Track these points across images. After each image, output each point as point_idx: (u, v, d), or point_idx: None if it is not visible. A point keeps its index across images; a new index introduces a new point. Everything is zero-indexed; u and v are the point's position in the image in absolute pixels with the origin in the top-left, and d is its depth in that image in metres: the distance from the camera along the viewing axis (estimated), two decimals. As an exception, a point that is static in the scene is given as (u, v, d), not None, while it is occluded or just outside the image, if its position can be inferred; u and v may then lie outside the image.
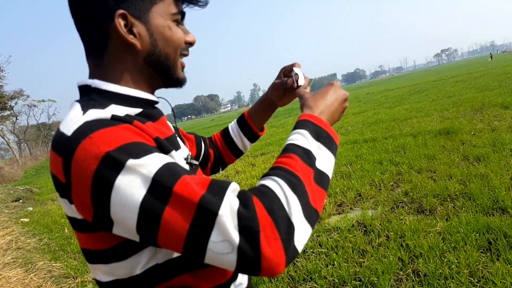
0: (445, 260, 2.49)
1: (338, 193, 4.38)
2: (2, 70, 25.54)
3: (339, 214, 3.84)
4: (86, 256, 0.66)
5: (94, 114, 0.58)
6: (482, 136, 5.48)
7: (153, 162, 0.54)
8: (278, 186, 0.57)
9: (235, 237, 0.51)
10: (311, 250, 3.08)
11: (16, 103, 35.24)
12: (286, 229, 0.54)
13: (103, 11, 0.65)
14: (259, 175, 6.25)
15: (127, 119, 0.60)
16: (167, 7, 0.69)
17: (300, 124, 0.71)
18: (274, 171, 0.61)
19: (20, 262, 4.21)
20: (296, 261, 2.96)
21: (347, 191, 4.39)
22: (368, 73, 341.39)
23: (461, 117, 7.48)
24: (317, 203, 0.61)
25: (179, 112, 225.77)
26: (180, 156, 0.75)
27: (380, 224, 3.25)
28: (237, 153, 1.16)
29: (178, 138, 0.84)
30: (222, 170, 1.20)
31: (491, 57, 55.18)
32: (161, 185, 0.53)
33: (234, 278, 0.75)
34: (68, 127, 0.57)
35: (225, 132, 1.17)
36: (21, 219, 6.91)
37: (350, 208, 3.92)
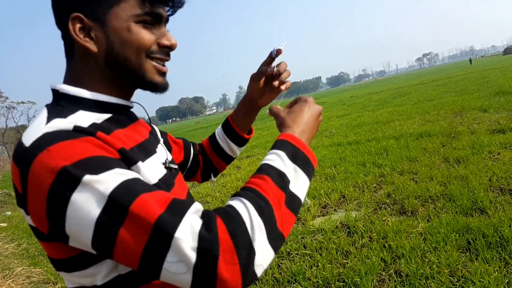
0: (426, 260, 2.53)
1: (322, 195, 4.41)
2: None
3: (323, 215, 3.86)
4: (51, 263, 0.65)
5: (56, 124, 0.57)
6: (462, 139, 5.62)
7: (111, 179, 0.53)
8: (245, 209, 0.57)
9: (192, 258, 0.50)
10: (295, 252, 3.09)
11: (-6, 105, 34.26)
12: (247, 254, 0.53)
13: (63, 14, 0.66)
14: (244, 178, 6.25)
15: (89, 131, 0.58)
16: (128, 8, 0.67)
17: (278, 144, 0.70)
18: (244, 192, 0.61)
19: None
20: (281, 263, 2.96)
21: (331, 193, 4.43)
22: (352, 77, 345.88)
23: (441, 120, 7.65)
24: (284, 227, 0.60)
25: (164, 114, 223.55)
26: (156, 161, 0.74)
27: (363, 226, 3.29)
28: (226, 158, 1.13)
29: (158, 142, 0.83)
30: (214, 177, 1.17)
31: (471, 61, 56.51)
32: (118, 204, 0.52)
33: None
34: (28, 138, 0.56)
35: (212, 138, 1.13)
36: (-1, 224, 6.72)
37: (334, 210, 3.95)
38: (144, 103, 0.79)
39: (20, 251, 4.93)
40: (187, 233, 0.51)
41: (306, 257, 2.97)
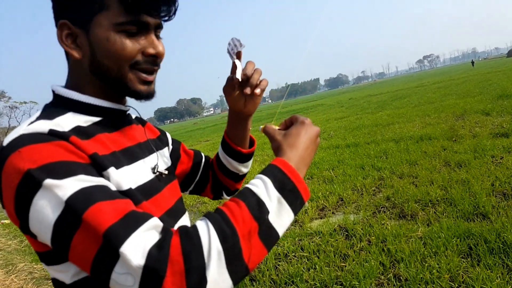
0: (426, 265, 2.48)
1: (320, 198, 4.36)
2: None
3: (321, 218, 3.81)
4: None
5: (35, 126, 0.59)
6: (464, 142, 5.57)
7: (71, 185, 0.54)
8: (206, 233, 0.55)
9: (138, 274, 0.50)
10: (293, 254, 3.04)
11: (-3, 105, 34.43)
12: (198, 280, 0.51)
13: (55, 19, 0.68)
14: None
15: (64, 135, 0.59)
16: (111, 17, 0.65)
17: (268, 170, 0.65)
18: (213, 214, 0.59)
19: (1, 264, 4.19)
20: (278, 264, 2.91)
21: (329, 196, 4.38)
22: (350, 79, 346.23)
23: (442, 123, 7.60)
24: (251, 259, 0.57)
25: (162, 115, 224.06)
26: (142, 166, 0.74)
27: (362, 229, 3.24)
28: (232, 176, 1.04)
29: (154, 149, 0.83)
30: (227, 195, 1.10)
31: (473, 63, 56.43)
32: (73, 210, 0.53)
33: None
34: (8, 138, 0.59)
35: (217, 155, 1.06)
36: (1, 221, 6.69)
37: (332, 213, 3.90)
38: (142, 104, 0.77)
39: (22, 247, 4.96)
40: (137, 248, 0.51)
41: (303, 259, 2.92)
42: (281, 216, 0.62)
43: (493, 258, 2.39)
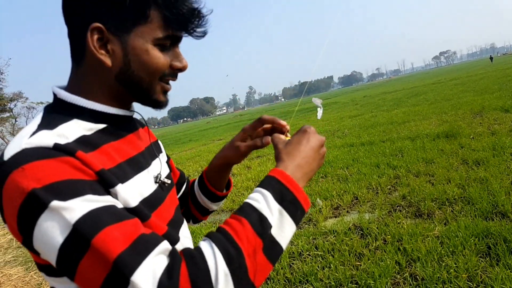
0: (443, 264, 2.44)
1: (334, 196, 4.33)
2: (2, 73, 25.52)
3: (335, 217, 3.79)
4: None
5: (38, 140, 0.56)
6: (482, 140, 5.45)
7: (78, 207, 0.52)
8: (212, 257, 0.55)
9: None
10: (307, 253, 3.03)
11: (15, 105, 35.30)
12: None
13: (81, 20, 0.64)
14: (254, 178, 6.20)
15: (69, 150, 0.57)
16: (151, 30, 0.65)
17: (266, 182, 0.65)
18: (218, 235, 0.58)
19: (21, 261, 4.30)
20: (292, 263, 2.91)
21: (343, 194, 4.35)
22: (365, 76, 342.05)
23: (460, 121, 7.45)
24: (257, 277, 0.57)
25: (175, 114, 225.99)
26: (146, 177, 0.73)
27: (377, 228, 3.21)
28: (202, 210, 1.03)
29: (155, 155, 0.82)
30: (193, 223, 1.09)
31: (491, 59, 55.01)
32: (81, 235, 0.51)
33: None
34: (8, 151, 0.55)
35: (191, 187, 1.05)
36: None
37: (347, 211, 3.87)
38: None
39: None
40: (147, 277, 0.50)
41: (318, 258, 2.91)
42: (283, 229, 0.62)
43: (513, 258, 2.34)
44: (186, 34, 0.70)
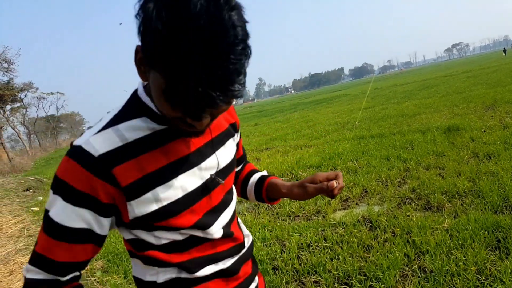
0: (452, 257, 2.45)
1: (344, 188, 4.34)
2: (12, 63, 25.78)
3: (344, 209, 3.81)
4: None
5: (91, 145, 0.69)
6: (493, 133, 5.39)
7: (56, 206, 0.71)
8: None
9: None
10: (315, 244, 3.06)
11: (25, 95, 35.63)
12: None
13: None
14: (263, 169, 6.23)
15: (105, 170, 0.69)
16: (159, 80, 0.59)
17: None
18: None
19: (32, 249, 4.31)
20: (301, 254, 2.95)
21: (353, 187, 4.36)
22: (376, 68, 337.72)
23: (471, 114, 7.36)
24: None
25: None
26: (195, 173, 0.79)
27: (386, 220, 3.22)
28: (243, 195, 1.14)
29: (215, 148, 0.85)
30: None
31: (505, 52, 53.85)
32: (44, 217, 0.73)
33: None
34: (78, 140, 0.72)
35: (245, 179, 1.13)
36: (32, 208, 7.00)
37: (356, 204, 3.89)
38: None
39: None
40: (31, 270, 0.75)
41: (326, 250, 2.94)
42: None
43: (523, 252, 2.34)
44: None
